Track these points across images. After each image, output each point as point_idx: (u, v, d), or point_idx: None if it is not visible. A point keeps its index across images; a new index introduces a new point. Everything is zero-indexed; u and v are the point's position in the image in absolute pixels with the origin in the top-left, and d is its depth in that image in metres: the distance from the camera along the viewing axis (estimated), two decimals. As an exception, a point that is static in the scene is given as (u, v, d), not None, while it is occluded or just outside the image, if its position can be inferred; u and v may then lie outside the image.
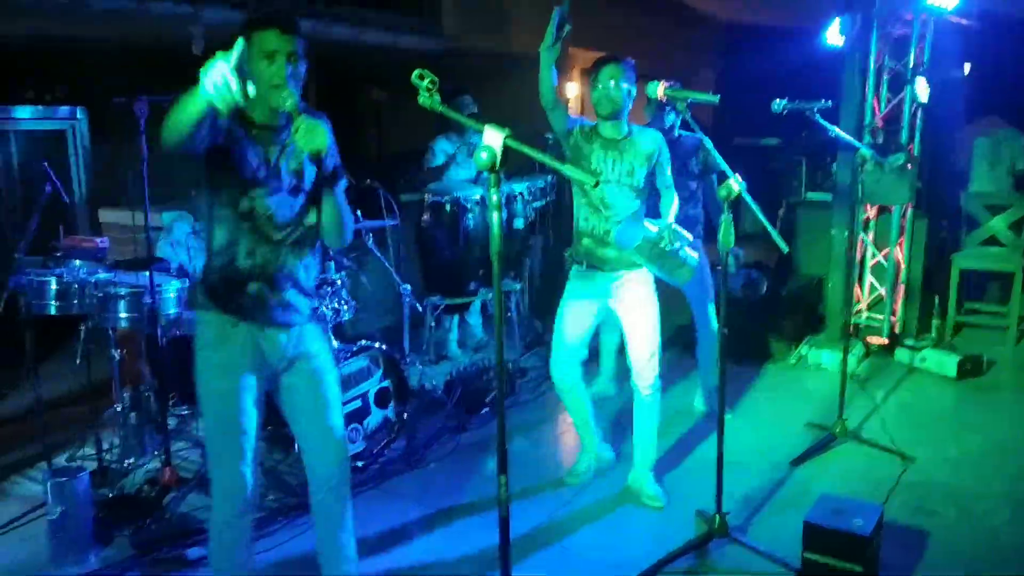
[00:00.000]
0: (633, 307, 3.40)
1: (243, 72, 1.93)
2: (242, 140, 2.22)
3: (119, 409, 3.77)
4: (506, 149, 1.90)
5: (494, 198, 1.93)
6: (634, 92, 3.33)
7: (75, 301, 3.60)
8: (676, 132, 4.15)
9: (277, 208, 2.29)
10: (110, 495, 3.38)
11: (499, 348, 2.02)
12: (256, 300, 2.31)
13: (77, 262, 3.70)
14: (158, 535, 3.11)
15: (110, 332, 3.71)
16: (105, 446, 3.68)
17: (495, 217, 1.94)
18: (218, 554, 2.44)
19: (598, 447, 3.72)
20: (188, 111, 1.92)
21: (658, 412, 3.46)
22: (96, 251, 3.84)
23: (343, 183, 2.31)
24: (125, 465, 3.66)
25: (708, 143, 3.33)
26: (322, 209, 2.37)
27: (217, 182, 2.23)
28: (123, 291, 3.55)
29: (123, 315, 3.57)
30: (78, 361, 3.65)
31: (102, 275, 3.65)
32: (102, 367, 3.82)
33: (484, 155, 1.88)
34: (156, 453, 3.68)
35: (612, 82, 3.25)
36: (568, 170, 1.96)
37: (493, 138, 1.90)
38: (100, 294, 3.57)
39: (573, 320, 3.46)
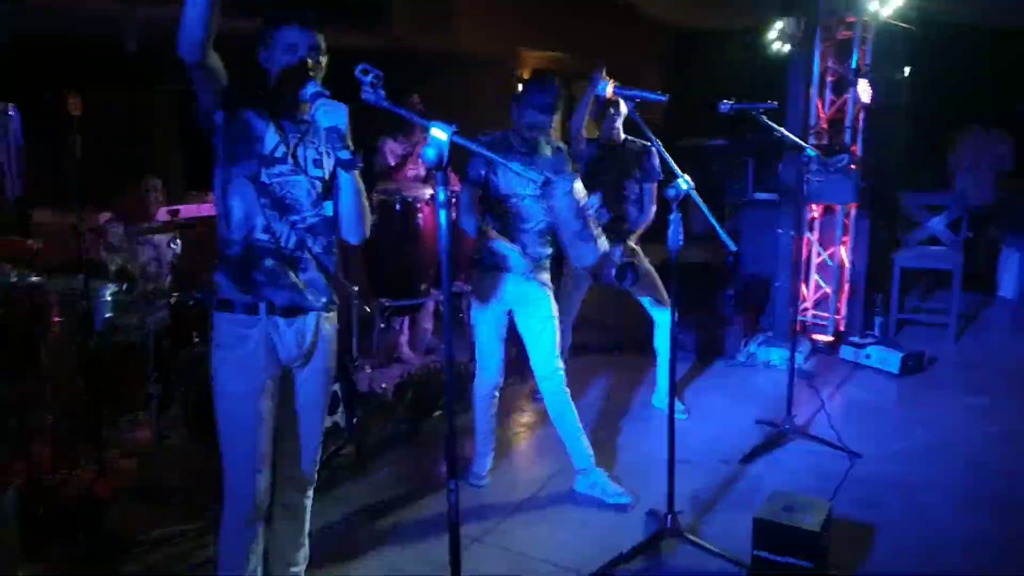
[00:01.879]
0: (539, 308, 3.45)
1: None
2: (264, 122, 2.23)
3: (50, 419, 3.61)
4: (453, 146, 1.87)
5: (442, 195, 1.89)
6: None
7: (4, 307, 3.43)
8: (620, 136, 4.21)
9: (294, 189, 2.27)
10: (40, 510, 3.22)
11: (449, 350, 1.98)
12: (271, 276, 2.26)
13: (7, 265, 3.53)
14: (92, 551, 2.97)
15: (42, 339, 3.55)
16: (36, 458, 3.52)
17: (444, 215, 1.91)
18: (226, 561, 2.37)
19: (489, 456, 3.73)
20: None
21: (572, 406, 3.51)
22: (27, 253, 3.68)
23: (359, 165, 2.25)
24: (57, 478, 3.50)
25: (658, 146, 3.33)
26: (340, 196, 2.32)
27: (236, 154, 2.21)
28: (55, 296, 3.41)
29: (55, 320, 3.42)
30: (7, 369, 3.48)
31: (33, 279, 3.50)
32: (34, 375, 3.65)
33: (431, 152, 1.85)
34: (90, 464, 3.53)
35: (555, 111, 3.32)
36: (516, 167, 1.93)
37: (440, 135, 1.86)
38: (31, 299, 3.42)
39: (494, 325, 3.49)
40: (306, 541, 2.59)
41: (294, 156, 2.27)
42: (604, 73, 3.55)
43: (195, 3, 1.90)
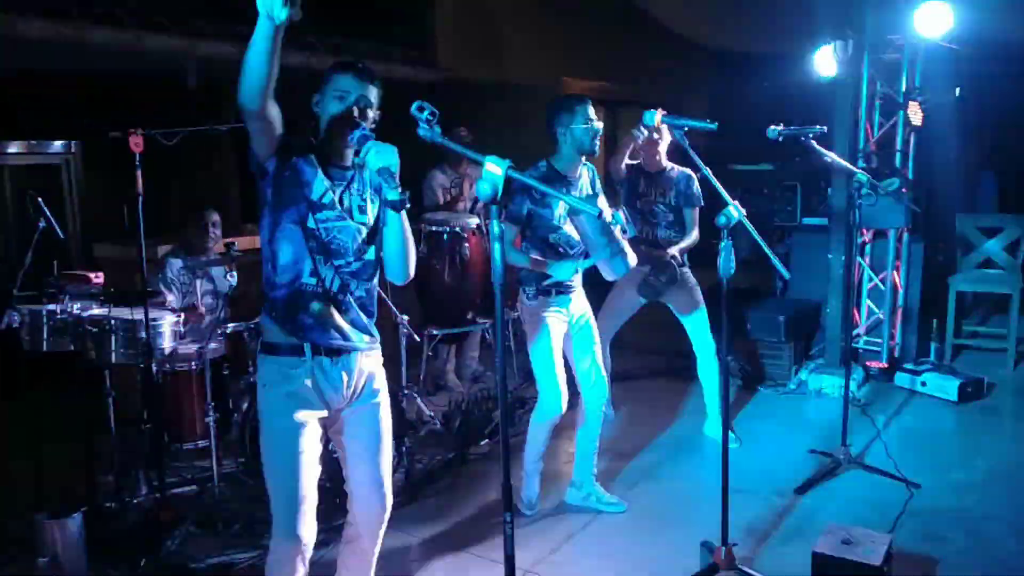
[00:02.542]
0: (588, 322, 3.56)
1: None
2: (312, 168, 2.27)
3: (113, 446, 3.71)
4: (507, 180, 1.89)
5: (496, 229, 1.91)
6: None
7: (69, 337, 3.55)
8: (663, 163, 4.24)
9: (341, 234, 2.31)
10: (105, 535, 3.31)
11: (501, 381, 1.99)
12: (318, 319, 2.30)
13: (71, 297, 3.66)
14: (154, 575, 3.04)
15: (104, 368, 3.66)
16: (99, 484, 3.62)
17: (497, 248, 1.93)
18: None
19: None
20: (255, 43, 1.95)
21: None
22: (91, 286, 3.80)
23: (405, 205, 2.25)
24: (120, 504, 3.59)
25: (706, 172, 3.33)
26: (387, 237, 2.36)
27: (286, 199, 2.26)
28: (117, 326, 3.51)
29: (117, 350, 3.53)
30: (71, 397, 3.59)
31: (96, 311, 3.61)
32: (96, 403, 3.77)
33: (486, 187, 1.88)
34: (151, 491, 3.62)
35: (598, 119, 3.35)
36: (572, 200, 1.94)
37: (494, 169, 1.89)
38: (94, 329, 3.53)
39: (557, 348, 3.48)
40: None
41: (340, 202, 2.31)
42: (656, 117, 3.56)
43: (256, 51, 1.95)
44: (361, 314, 2.39)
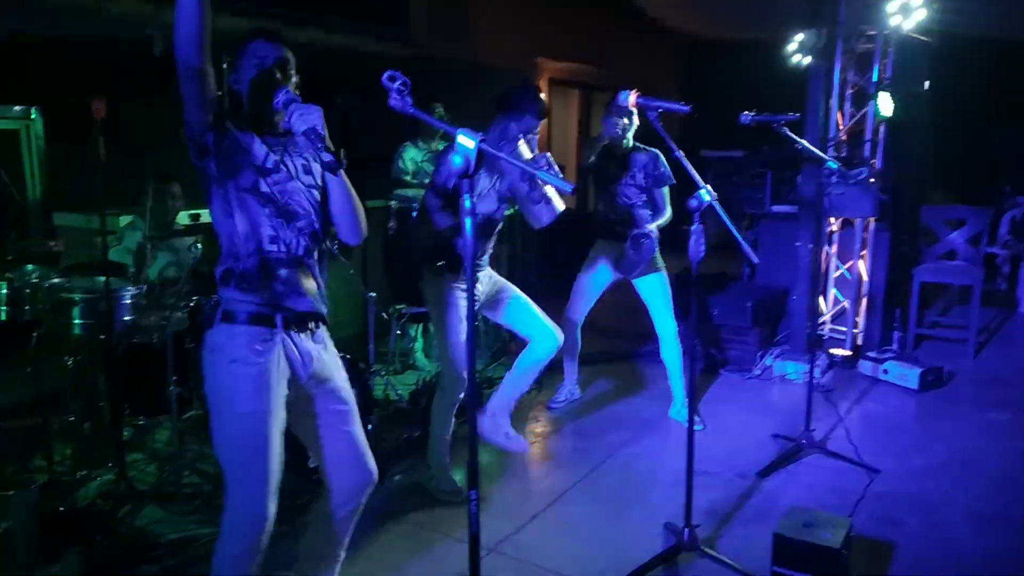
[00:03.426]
0: (510, 290, 3.59)
1: None
2: (249, 136, 2.21)
3: (71, 419, 3.63)
4: (479, 154, 1.87)
5: (467, 204, 1.89)
6: None
7: (27, 306, 3.46)
8: (630, 144, 4.24)
9: (295, 195, 2.25)
10: (60, 509, 3.24)
11: (470, 357, 1.98)
12: (288, 284, 2.23)
13: (29, 266, 3.56)
14: (111, 551, 2.98)
15: (64, 339, 3.57)
16: (56, 458, 3.54)
17: (468, 223, 1.90)
18: None
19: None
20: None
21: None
22: (50, 255, 3.71)
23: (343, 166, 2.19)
24: (77, 478, 3.52)
25: (679, 155, 3.32)
26: (331, 198, 2.31)
27: (232, 169, 2.18)
28: (77, 296, 3.43)
29: (77, 321, 3.45)
30: (28, 369, 3.51)
31: (55, 280, 3.52)
32: (54, 375, 3.68)
33: (458, 160, 1.85)
34: (110, 465, 3.55)
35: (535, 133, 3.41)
36: (544, 176, 1.93)
37: (466, 143, 1.87)
38: (53, 299, 3.45)
39: (465, 328, 3.38)
40: (339, 560, 2.56)
41: (285, 166, 2.25)
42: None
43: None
44: (320, 279, 2.34)
